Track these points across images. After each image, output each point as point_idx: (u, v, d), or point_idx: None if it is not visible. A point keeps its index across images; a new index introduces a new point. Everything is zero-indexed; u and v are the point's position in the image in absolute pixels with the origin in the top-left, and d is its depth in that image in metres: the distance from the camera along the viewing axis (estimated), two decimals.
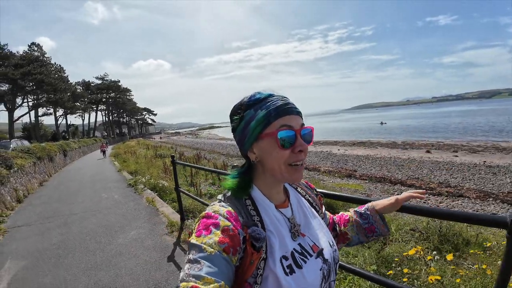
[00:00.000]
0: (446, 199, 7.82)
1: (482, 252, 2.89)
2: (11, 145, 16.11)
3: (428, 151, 18.01)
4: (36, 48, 43.67)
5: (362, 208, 1.00)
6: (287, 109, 0.72)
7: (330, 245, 0.81)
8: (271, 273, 0.67)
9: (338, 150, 21.75)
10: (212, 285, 0.54)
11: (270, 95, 0.74)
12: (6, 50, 35.31)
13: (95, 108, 68.52)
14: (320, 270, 0.74)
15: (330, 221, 1.01)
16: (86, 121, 63.79)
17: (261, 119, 0.71)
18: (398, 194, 1.00)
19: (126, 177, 10.47)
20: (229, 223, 0.65)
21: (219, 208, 0.69)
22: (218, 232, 0.63)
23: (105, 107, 74.73)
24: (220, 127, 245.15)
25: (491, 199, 7.52)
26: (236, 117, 0.75)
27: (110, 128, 78.35)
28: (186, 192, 4.33)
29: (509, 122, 40.11)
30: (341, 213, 1.04)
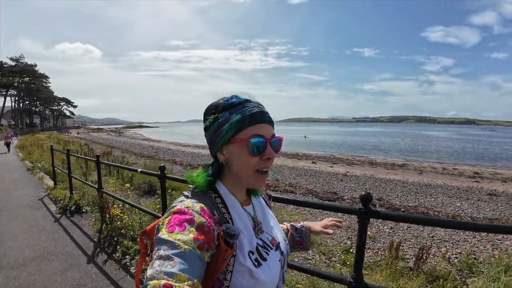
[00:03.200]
0: (280, 194, 9.59)
1: None
2: None
3: (313, 162, 21.05)
4: None
5: (298, 225, 1.17)
6: (261, 118, 0.75)
7: (284, 240, 0.90)
8: (242, 267, 0.70)
9: None
10: (185, 283, 0.53)
11: (247, 101, 0.77)
12: None
13: (4, 93, 63.14)
14: (279, 261, 0.82)
15: None
16: None
17: (235, 123, 0.73)
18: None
19: (28, 164, 12.76)
20: (204, 219, 0.65)
21: (192, 204, 0.69)
22: (193, 228, 0.62)
23: (16, 93, 68.70)
24: (149, 127, 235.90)
25: (311, 195, 9.75)
26: (210, 117, 0.77)
27: (20, 117, 71.79)
28: (60, 168, 7.60)
29: (394, 143, 50.06)
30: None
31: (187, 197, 0.76)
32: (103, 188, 4.53)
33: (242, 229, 0.75)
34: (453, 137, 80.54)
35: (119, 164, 5.60)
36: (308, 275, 3.14)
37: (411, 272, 3.51)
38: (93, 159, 4.70)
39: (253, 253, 0.74)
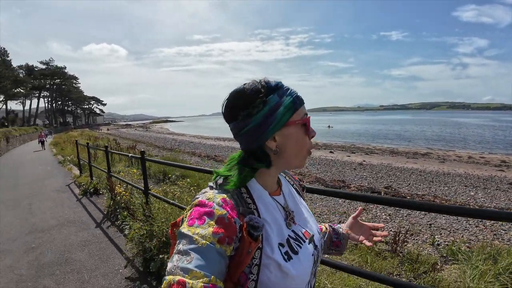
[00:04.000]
0: None
1: None
2: None
3: (331, 152, 20.72)
4: None
5: (336, 226, 1.09)
6: (302, 99, 0.76)
7: (319, 233, 0.86)
8: (270, 260, 0.67)
9: None
10: (200, 280, 0.53)
11: (281, 83, 0.75)
12: None
13: (37, 95, 66.80)
14: (312, 255, 0.77)
15: None
16: (27, 107, 62.34)
17: (290, 105, 0.71)
18: None
19: (59, 158, 14.29)
20: (224, 212, 0.63)
21: (213, 195, 0.67)
22: (213, 222, 0.61)
23: (48, 94, 72.83)
24: (174, 121, 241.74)
25: (318, 183, 10.10)
26: (256, 102, 0.70)
27: (53, 116, 76.40)
28: (83, 159, 8.74)
29: (420, 131, 47.57)
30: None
31: (211, 187, 0.73)
32: (111, 172, 5.51)
33: (269, 221, 0.72)
34: (485, 124, 75.46)
35: (118, 151, 6.65)
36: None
37: (387, 254, 3.58)
38: (102, 149, 5.74)
39: (283, 246, 0.71)
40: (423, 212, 6.19)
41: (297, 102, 0.73)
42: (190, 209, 0.66)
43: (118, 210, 4.83)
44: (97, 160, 11.71)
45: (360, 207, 1.07)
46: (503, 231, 5.33)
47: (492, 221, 5.57)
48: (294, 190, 0.90)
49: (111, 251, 3.59)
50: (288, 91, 0.73)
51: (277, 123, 0.70)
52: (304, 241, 0.76)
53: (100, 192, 6.48)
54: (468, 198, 8.29)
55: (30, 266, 3.36)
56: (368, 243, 0.99)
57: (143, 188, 3.93)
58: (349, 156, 18.34)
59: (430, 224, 5.78)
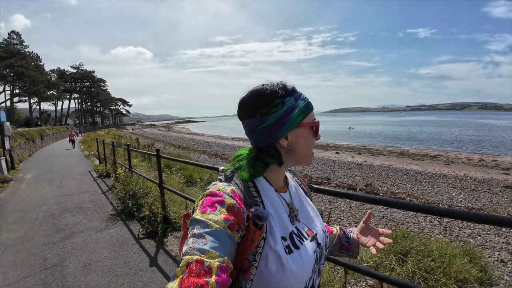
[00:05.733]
0: None
1: None
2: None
3: (337, 152, 21.54)
4: (15, 37, 48.10)
5: (347, 229, 1.13)
6: (312, 104, 0.82)
7: (323, 231, 0.89)
8: (272, 251, 0.70)
9: None
10: (216, 259, 0.57)
11: (296, 87, 0.80)
12: None
13: (68, 97, 71.45)
14: (314, 252, 0.80)
15: None
16: (59, 108, 66.66)
17: (303, 108, 0.78)
18: None
19: (86, 153, 16.95)
20: (234, 201, 0.68)
21: (223, 187, 0.72)
22: (224, 209, 0.66)
23: (78, 96, 77.44)
24: (197, 121, 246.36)
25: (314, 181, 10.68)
26: (275, 102, 0.75)
27: (83, 116, 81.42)
28: (102, 153, 11.06)
29: (437, 133, 46.76)
30: (325, 224, 1.05)
31: (220, 180, 0.77)
32: (116, 160, 7.77)
33: (273, 214, 0.76)
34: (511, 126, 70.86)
35: (119, 145, 8.86)
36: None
37: None
38: (110, 144, 8.02)
39: (285, 239, 0.75)
40: (385, 207, 6.40)
41: (309, 107, 0.80)
42: (202, 198, 0.70)
43: (116, 184, 6.99)
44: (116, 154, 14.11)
45: (369, 211, 1.11)
46: (458, 229, 5.50)
47: (450, 219, 5.70)
48: (301, 190, 0.95)
49: (107, 204, 5.88)
50: (302, 96, 0.79)
51: (291, 124, 0.76)
52: (306, 239, 0.80)
53: (111, 176, 8.71)
54: (446, 199, 8.22)
55: (57, 209, 5.70)
56: (373, 251, 1.03)
57: (128, 167, 6.11)
58: (353, 157, 18.49)
59: (383, 216, 6.12)
